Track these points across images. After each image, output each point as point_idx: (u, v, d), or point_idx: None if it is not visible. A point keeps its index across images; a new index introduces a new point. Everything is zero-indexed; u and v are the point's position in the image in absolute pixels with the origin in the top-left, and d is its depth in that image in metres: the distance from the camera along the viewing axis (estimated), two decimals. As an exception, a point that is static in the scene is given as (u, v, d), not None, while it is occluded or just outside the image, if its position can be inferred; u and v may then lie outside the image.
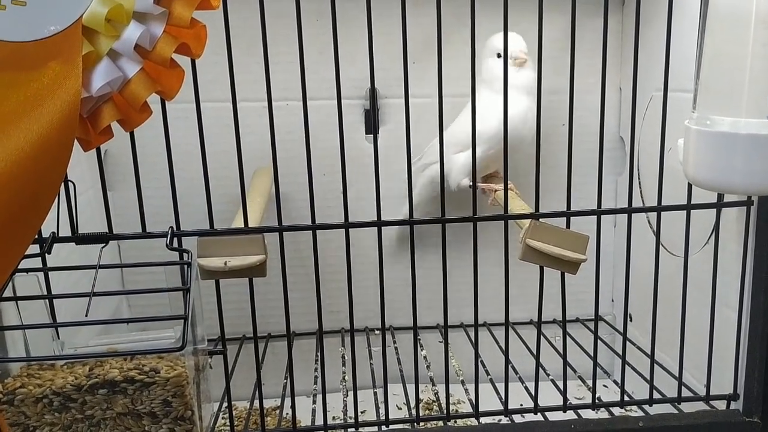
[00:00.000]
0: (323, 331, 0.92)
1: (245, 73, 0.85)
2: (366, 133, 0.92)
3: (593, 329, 0.92)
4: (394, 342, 0.92)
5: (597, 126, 0.89)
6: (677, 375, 0.72)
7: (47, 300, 0.58)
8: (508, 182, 0.66)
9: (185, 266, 0.57)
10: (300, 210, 0.90)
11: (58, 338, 0.60)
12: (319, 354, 0.81)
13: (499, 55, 0.81)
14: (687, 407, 0.72)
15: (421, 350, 0.88)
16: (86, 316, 0.53)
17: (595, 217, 0.66)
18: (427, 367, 0.85)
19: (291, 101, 0.88)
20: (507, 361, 0.71)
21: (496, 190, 0.81)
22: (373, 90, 0.64)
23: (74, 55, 0.52)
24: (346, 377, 0.82)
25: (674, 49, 0.66)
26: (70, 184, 0.58)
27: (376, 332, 0.94)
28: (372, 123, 0.70)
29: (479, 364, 0.71)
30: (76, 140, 0.53)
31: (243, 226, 0.61)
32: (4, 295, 0.55)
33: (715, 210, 0.69)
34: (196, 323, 0.59)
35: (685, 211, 0.66)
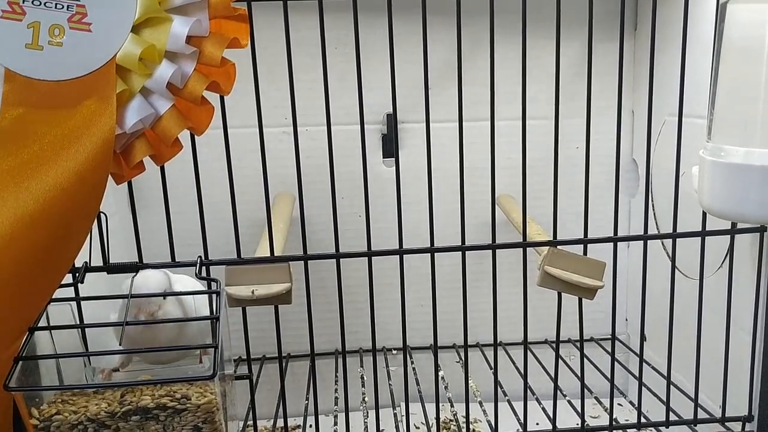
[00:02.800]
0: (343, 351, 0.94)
1: (265, 100, 0.86)
2: (383, 157, 0.94)
3: (607, 349, 0.94)
4: (412, 362, 0.94)
5: (609, 149, 0.91)
6: (692, 396, 0.73)
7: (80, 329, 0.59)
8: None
9: (214, 295, 0.58)
10: (318, 233, 0.92)
11: (89, 364, 0.62)
12: (341, 373, 0.83)
13: None
14: (702, 428, 0.73)
15: (439, 370, 0.89)
16: (120, 345, 0.54)
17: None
18: (445, 387, 0.86)
19: (310, 127, 0.90)
20: (526, 383, 0.73)
21: None
22: (395, 117, 0.66)
23: (109, 93, 0.54)
24: (366, 398, 0.83)
25: (686, 76, 0.68)
26: (102, 215, 0.60)
27: (394, 352, 0.96)
28: (394, 152, 0.72)
29: (497, 383, 0.73)
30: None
31: (269, 253, 0.63)
32: (39, 324, 0.57)
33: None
34: (223, 349, 0.60)
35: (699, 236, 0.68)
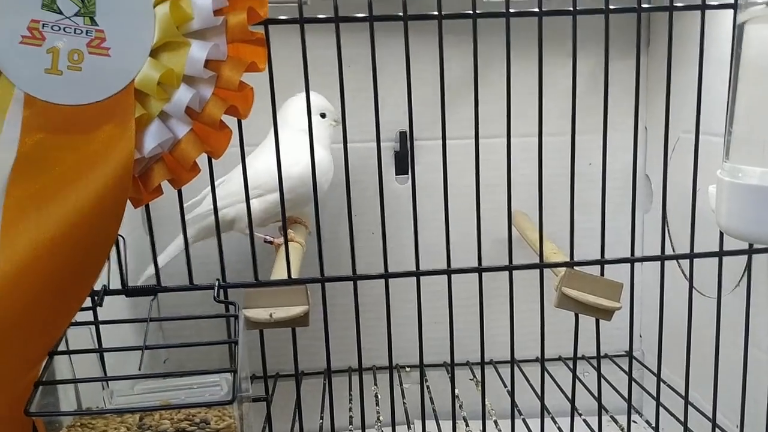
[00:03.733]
0: (356, 368, 0.94)
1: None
2: (396, 174, 0.94)
3: (621, 365, 0.94)
4: (426, 380, 0.93)
5: (620, 164, 0.91)
6: (710, 416, 0.73)
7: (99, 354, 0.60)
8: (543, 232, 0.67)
9: (233, 318, 0.58)
10: (332, 250, 0.92)
11: (108, 386, 0.62)
12: (355, 391, 0.83)
13: (323, 115, 0.84)
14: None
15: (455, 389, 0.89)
16: (140, 369, 0.54)
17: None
18: (460, 406, 0.86)
19: (323, 144, 0.90)
20: (543, 404, 0.72)
21: (278, 245, 0.81)
22: (411, 136, 0.65)
23: (127, 118, 0.54)
24: (381, 417, 0.83)
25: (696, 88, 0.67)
26: (120, 238, 0.60)
27: (407, 369, 0.96)
28: (411, 174, 0.72)
29: (514, 402, 0.72)
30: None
31: (286, 275, 0.63)
32: (59, 348, 0.57)
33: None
34: (241, 373, 0.60)
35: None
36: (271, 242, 0.81)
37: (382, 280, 0.66)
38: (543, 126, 0.66)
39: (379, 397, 0.89)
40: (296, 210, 0.84)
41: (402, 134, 0.93)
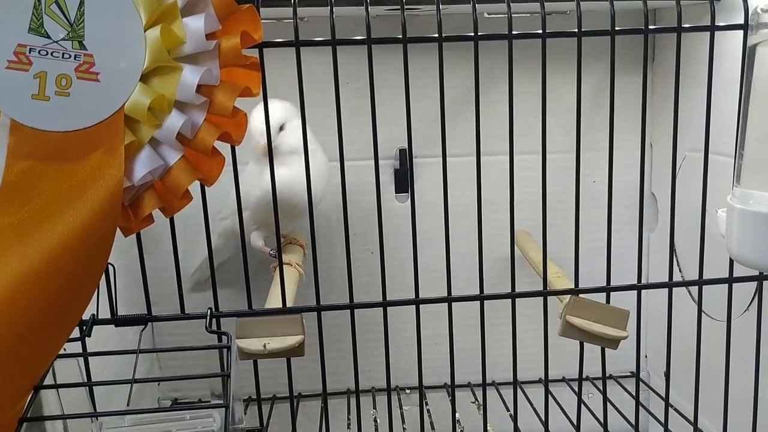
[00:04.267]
0: (355, 390, 0.92)
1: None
2: (396, 192, 0.92)
3: (626, 386, 0.91)
4: (426, 403, 0.91)
5: (625, 182, 0.89)
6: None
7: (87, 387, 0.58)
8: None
9: (225, 349, 0.56)
10: (330, 270, 0.90)
11: (96, 419, 0.60)
12: (354, 414, 0.81)
13: (281, 129, 0.75)
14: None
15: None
16: (128, 405, 0.52)
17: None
18: (461, 431, 0.84)
19: (321, 163, 0.88)
20: (547, 427, 0.70)
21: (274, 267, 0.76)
22: (410, 155, 0.63)
23: (116, 145, 0.52)
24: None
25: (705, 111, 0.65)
26: (109, 266, 0.58)
27: (407, 391, 0.94)
28: (410, 198, 0.70)
29: (517, 426, 0.70)
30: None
31: (280, 303, 0.61)
32: (46, 382, 0.55)
33: (755, 279, 0.68)
34: (235, 405, 0.58)
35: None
36: (274, 256, 0.77)
37: (385, 316, 0.64)
38: (547, 144, 0.64)
39: (378, 421, 0.87)
40: (285, 228, 0.81)
41: (402, 152, 0.91)
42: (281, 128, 0.74)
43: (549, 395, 0.70)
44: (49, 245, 0.50)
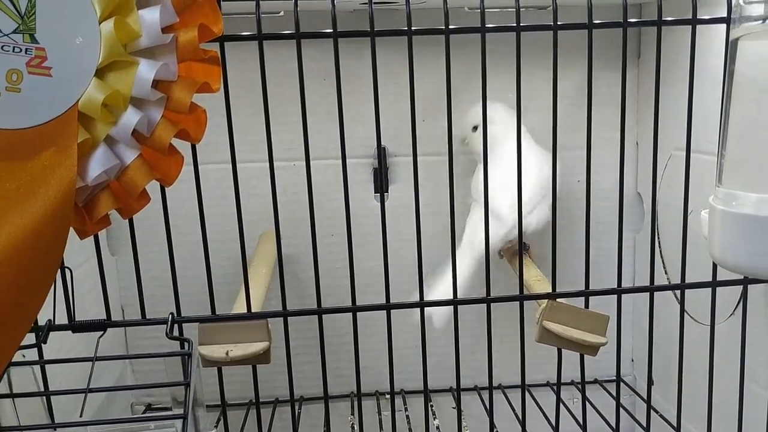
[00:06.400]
0: (339, 395, 0.90)
1: (251, 134, 0.82)
2: (375, 192, 0.90)
3: (611, 391, 0.89)
4: (406, 408, 0.89)
5: (611, 182, 0.87)
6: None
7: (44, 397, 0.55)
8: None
9: (186, 357, 0.54)
10: (307, 272, 0.88)
11: (55, 431, 0.57)
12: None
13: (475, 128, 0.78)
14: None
15: (434, 418, 0.84)
16: (81, 416, 0.50)
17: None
18: (436, 434, 0.82)
19: (298, 161, 0.86)
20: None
21: None
22: (382, 153, 0.61)
23: (69, 143, 0.50)
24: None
25: (693, 110, 0.63)
26: (66, 270, 0.56)
27: (387, 396, 0.91)
28: (380, 200, 0.67)
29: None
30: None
31: (246, 308, 0.59)
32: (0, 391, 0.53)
33: (740, 282, 0.66)
34: (198, 414, 0.56)
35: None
36: None
37: (354, 321, 0.62)
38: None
39: (355, 428, 0.84)
40: None
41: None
42: (474, 128, 0.80)
43: (530, 400, 0.68)
44: (-4, 248, 0.48)
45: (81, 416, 0.50)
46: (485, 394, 0.90)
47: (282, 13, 0.80)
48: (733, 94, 0.55)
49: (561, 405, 0.70)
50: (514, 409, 0.85)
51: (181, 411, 0.52)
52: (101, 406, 0.77)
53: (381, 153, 0.59)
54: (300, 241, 0.83)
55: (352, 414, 0.88)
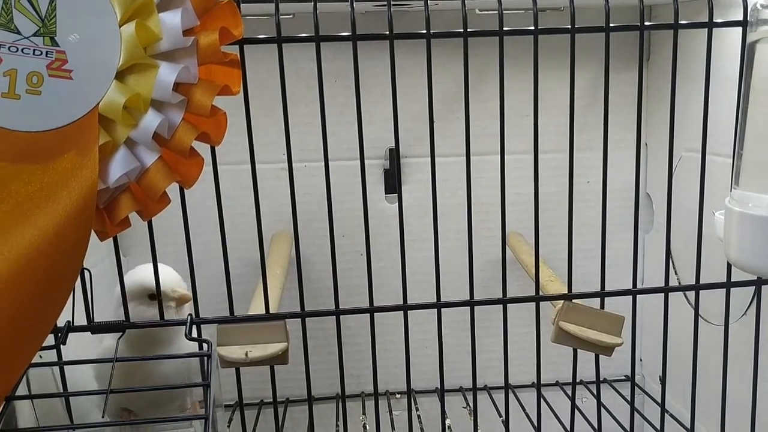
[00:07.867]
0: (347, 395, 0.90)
1: (263, 135, 0.83)
2: (386, 193, 0.90)
3: (621, 390, 0.90)
4: (417, 408, 0.89)
5: (620, 183, 0.88)
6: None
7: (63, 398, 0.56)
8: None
9: (206, 358, 0.54)
10: (319, 272, 0.88)
11: (73, 431, 0.58)
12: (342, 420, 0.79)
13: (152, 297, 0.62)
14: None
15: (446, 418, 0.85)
16: (102, 417, 0.50)
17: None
18: (452, 437, 0.82)
19: (309, 162, 0.86)
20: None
21: None
22: (398, 153, 0.61)
23: (90, 145, 0.50)
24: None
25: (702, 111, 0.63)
26: (85, 272, 0.56)
27: (398, 396, 0.92)
28: (398, 202, 0.67)
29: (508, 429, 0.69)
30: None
31: (263, 309, 0.59)
32: (20, 392, 0.53)
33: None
34: (217, 417, 0.56)
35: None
36: None
37: (372, 321, 0.62)
38: (540, 143, 0.61)
39: (367, 427, 0.85)
40: None
41: (392, 151, 0.89)
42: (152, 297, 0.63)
43: (542, 400, 0.68)
44: (18, 251, 0.48)
45: (103, 417, 0.50)
46: (494, 394, 0.90)
47: (293, 15, 0.81)
48: (751, 97, 0.55)
49: (573, 406, 0.71)
50: (524, 409, 0.86)
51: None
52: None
53: (397, 154, 0.59)
54: (310, 242, 0.84)
55: (363, 413, 0.88)
